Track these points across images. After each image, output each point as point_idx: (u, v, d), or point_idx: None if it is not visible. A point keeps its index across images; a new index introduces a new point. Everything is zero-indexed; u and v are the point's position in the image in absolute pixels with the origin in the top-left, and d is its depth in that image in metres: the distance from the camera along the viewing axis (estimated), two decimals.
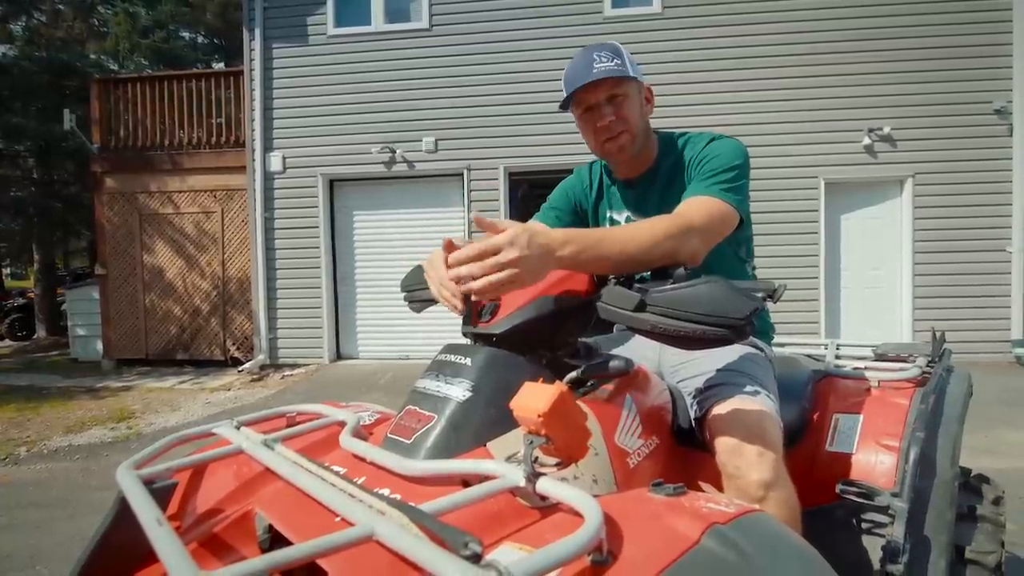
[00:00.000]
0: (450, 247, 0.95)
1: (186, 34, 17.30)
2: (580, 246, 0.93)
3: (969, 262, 6.59)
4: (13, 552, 2.94)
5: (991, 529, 1.35)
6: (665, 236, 1.01)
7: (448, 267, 0.89)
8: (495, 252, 0.85)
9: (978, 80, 6.56)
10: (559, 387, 0.69)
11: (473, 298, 0.94)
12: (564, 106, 1.29)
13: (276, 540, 0.87)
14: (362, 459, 0.87)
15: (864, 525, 1.26)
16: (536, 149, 7.13)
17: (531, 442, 0.68)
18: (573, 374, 0.96)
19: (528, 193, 8.26)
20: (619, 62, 1.22)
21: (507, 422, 0.80)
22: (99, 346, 8.53)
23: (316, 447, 1.00)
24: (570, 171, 1.51)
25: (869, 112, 6.66)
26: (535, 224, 1.40)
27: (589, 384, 0.97)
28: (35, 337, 12.01)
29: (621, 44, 1.27)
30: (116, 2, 14.69)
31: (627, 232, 1.02)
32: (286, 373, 7.39)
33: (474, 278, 0.85)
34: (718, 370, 1.14)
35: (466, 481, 0.75)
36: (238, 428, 1.01)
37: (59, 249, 16.92)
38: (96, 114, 8.23)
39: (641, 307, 0.86)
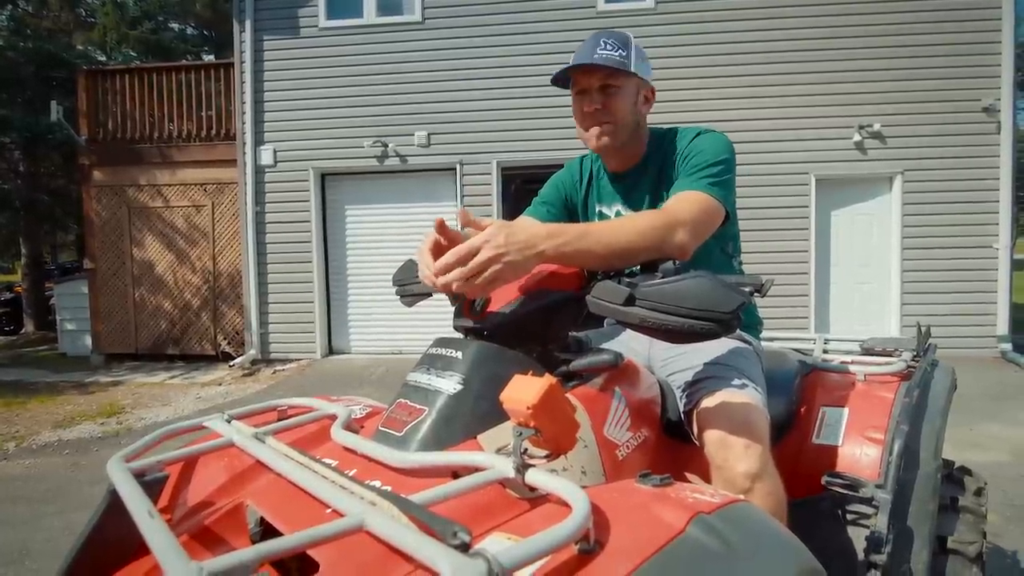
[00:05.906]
0: (442, 228, 0.96)
1: (175, 25, 17.07)
2: (563, 239, 0.93)
3: (957, 258, 6.65)
4: (1, 547, 2.92)
5: (973, 520, 1.37)
6: (650, 229, 1.02)
7: (435, 275, 0.90)
8: (474, 254, 0.86)
9: (967, 78, 6.60)
10: (548, 380, 0.69)
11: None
12: (557, 81, 1.29)
13: (267, 533, 0.88)
14: (353, 452, 0.87)
15: (849, 516, 1.28)
16: (529, 144, 7.12)
17: (520, 434, 0.69)
18: (563, 367, 0.96)
19: (521, 188, 8.25)
20: (623, 54, 1.22)
21: (497, 415, 0.80)
22: (88, 341, 8.45)
23: (307, 440, 1.00)
24: (563, 166, 1.51)
25: (860, 109, 6.70)
26: (519, 220, 1.40)
27: (579, 377, 0.98)
28: (23, 332, 11.87)
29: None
30: None
31: (612, 225, 1.04)
32: (277, 368, 7.36)
33: (460, 281, 0.87)
34: (706, 364, 1.15)
35: (456, 473, 0.76)
36: (229, 421, 1.01)
37: (47, 243, 16.72)
38: (83, 106, 8.11)
39: (630, 301, 0.86)
